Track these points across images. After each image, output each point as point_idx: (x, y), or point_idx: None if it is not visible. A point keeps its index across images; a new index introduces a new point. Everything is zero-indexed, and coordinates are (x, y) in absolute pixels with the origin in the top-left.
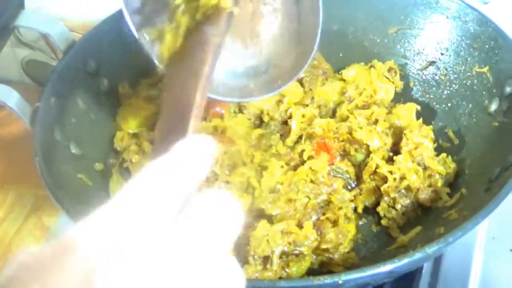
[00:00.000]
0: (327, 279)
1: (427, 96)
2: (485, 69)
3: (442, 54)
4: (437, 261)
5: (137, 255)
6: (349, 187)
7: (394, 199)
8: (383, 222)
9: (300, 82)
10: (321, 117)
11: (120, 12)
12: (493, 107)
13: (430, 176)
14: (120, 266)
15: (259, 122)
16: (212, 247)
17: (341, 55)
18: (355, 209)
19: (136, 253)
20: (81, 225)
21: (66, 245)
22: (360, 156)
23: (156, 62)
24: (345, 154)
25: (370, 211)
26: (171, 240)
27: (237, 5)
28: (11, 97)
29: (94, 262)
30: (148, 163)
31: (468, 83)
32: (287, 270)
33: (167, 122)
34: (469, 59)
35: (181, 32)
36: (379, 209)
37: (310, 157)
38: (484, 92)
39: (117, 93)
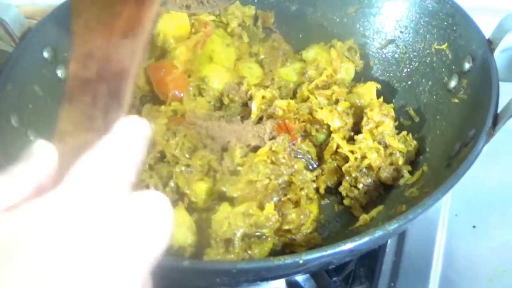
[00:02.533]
0: (288, 259)
1: (387, 74)
2: (444, 46)
3: (401, 32)
4: (401, 239)
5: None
6: (310, 167)
7: (355, 179)
8: (346, 201)
9: (260, 63)
10: (281, 98)
11: None
12: (453, 83)
13: (391, 154)
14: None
15: (219, 104)
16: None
17: (300, 35)
18: (317, 190)
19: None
20: (24, 213)
21: (12, 238)
22: (321, 137)
23: None
24: (306, 135)
25: (333, 191)
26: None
27: None
28: None
29: (47, 257)
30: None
31: (427, 61)
32: (249, 252)
33: (86, 74)
34: (428, 36)
35: None
36: (341, 189)
37: (270, 138)
38: (443, 69)
39: None
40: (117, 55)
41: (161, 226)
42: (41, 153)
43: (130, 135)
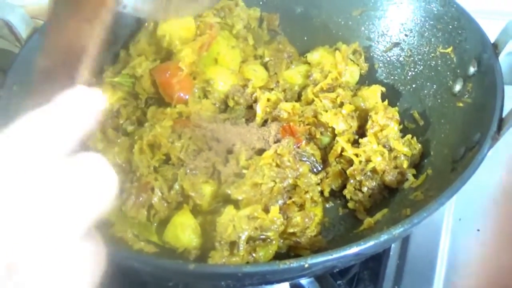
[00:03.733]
0: (293, 263)
1: (392, 77)
2: (449, 50)
3: (406, 35)
4: (405, 242)
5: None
6: (315, 170)
7: (360, 182)
8: (350, 205)
9: (265, 66)
10: (286, 101)
11: None
12: (457, 87)
13: (395, 157)
14: None
15: (224, 107)
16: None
17: (305, 38)
18: (322, 193)
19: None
20: None
21: None
22: (325, 139)
23: None
24: (310, 138)
25: (337, 194)
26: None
27: None
28: None
29: None
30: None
31: (432, 64)
32: (254, 255)
33: (52, 64)
34: (433, 39)
35: None
36: (345, 192)
37: (275, 141)
38: (448, 73)
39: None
40: (77, 39)
41: (97, 187)
42: None
43: (74, 103)
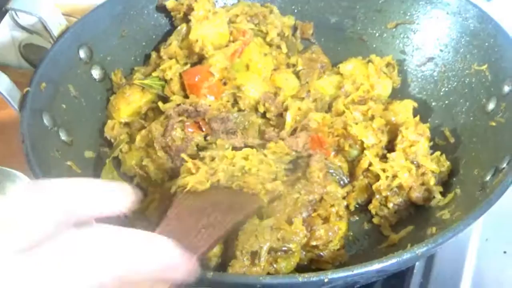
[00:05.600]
0: (313, 277)
1: (425, 93)
2: (484, 67)
3: (441, 50)
4: (429, 261)
5: None
6: (342, 183)
7: (386, 198)
8: (375, 220)
9: (297, 74)
10: (316, 111)
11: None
12: (491, 106)
13: (423, 174)
14: None
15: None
16: None
17: (339, 48)
18: (347, 206)
19: None
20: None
21: None
22: (354, 152)
23: None
24: (339, 150)
25: (362, 208)
26: None
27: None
28: (1, 82)
29: None
30: None
31: (466, 81)
32: (275, 265)
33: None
34: (468, 56)
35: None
36: (371, 207)
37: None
38: (482, 91)
39: (110, 81)
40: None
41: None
42: None
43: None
